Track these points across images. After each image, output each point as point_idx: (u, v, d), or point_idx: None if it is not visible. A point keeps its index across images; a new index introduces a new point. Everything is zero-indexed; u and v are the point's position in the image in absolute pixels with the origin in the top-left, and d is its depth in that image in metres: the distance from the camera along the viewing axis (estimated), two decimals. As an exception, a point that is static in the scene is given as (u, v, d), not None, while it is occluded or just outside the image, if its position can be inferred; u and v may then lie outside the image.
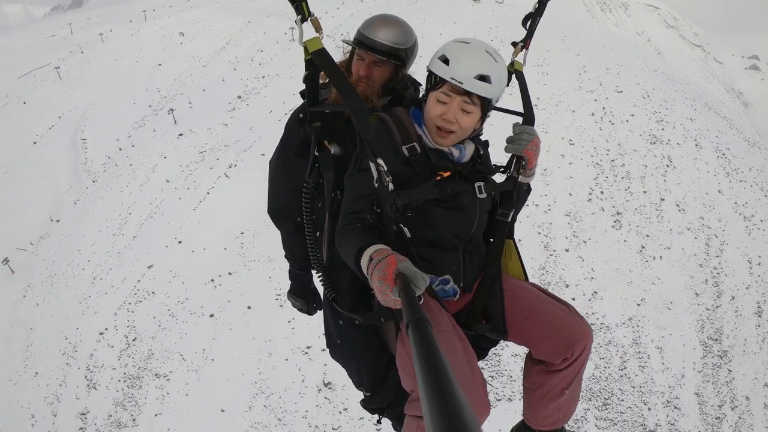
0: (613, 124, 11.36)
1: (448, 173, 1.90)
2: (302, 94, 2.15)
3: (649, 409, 8.81)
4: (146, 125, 13.83)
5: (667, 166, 10.88)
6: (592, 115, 11.44)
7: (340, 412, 7.33)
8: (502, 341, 2.19)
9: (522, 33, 2.31)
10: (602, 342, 8.83)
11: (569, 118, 11.22)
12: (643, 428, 8.68)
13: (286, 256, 2.77)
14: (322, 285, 2.07)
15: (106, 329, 8.77)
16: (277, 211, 2.61)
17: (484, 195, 1.96)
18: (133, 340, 8.47)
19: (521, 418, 2.30)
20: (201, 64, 16.70)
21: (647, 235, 9.89)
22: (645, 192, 10.39)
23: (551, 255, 9.27)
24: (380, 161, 1.75)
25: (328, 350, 2.17)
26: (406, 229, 1.82)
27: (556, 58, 12.72)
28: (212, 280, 8.85)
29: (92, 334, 8.83)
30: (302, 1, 1.83)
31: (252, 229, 9.33)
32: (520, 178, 2.09)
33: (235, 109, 13.41)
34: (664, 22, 26.22)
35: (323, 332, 2.18)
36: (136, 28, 18.63)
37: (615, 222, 9.90)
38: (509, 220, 2.11)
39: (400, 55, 2.31)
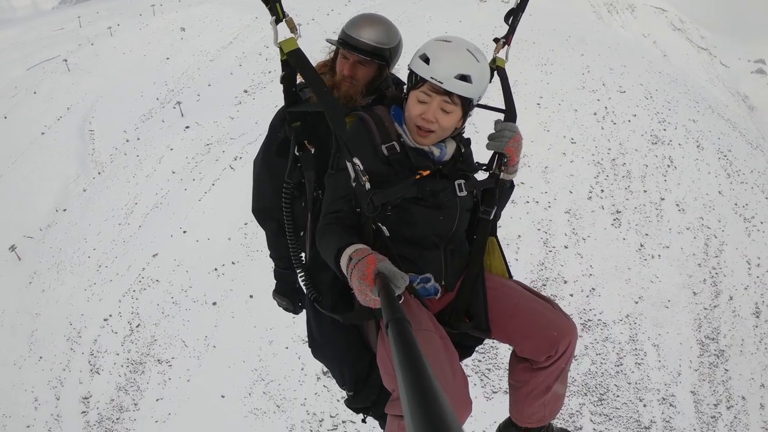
0: (615, 123, 11.45)
1: (427, 172, 1.90)
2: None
3: (645, 405, 8.90)
4: (153, 117, 13.99)
5: (668, 166, 10.96)
6: (594, 114, 11.53)
7: (338, 401, 7.45)
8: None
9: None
10: (599, 338, 8.92)
11: (571, 117, 11.31)
12: (638, 424, 8.77)
13: (271, 256, 2.78)
14: (304, 285, 2.08)
15: (111, 316, 8.92)
16: (261, 211, 2.62)
17: (464, 193, 1.96)
18: (137, 327, 8.62)
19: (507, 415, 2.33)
20: (208, 58, 16.86)
21: (646, 234, 9.98)
22: (645, 191, 10.48)
23: (550, 251, 9.37)
24: (356, 160, 1.75)
25: (310, 350, 2.19)
26: (384, 228, 1.83)
27: (559, 57, 12.81)
28: (215, 270, 9.00)
29: (97, 320, 8.98)
30: (276, 1, 1.83)
31: (256, 220, 9.48)
32: (502, 176, 2.10)
33: (241, 103, 13.56)
34: (670, 25, 26.20)
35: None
36: (144, 22, 18.79)
37: (614, 220, 9.99)
38: (491, 217, 2.10)
39: (384, 55, 2.31)
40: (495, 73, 2.26)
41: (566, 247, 9.45)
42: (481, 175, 2.12)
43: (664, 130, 11.59)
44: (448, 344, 1.80)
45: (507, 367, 2.23)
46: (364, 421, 2.21)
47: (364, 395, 2.08)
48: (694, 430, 9.02)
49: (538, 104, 11.46)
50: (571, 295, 9.01)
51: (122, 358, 8.42)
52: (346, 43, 2.30)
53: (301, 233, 2.28)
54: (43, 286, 9.98)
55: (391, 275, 1.43)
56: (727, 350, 9.80)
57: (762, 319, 10.24)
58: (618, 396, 8.75)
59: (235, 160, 11.04)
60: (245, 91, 14.11)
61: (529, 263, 9.13)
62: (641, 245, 9.83)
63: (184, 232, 9.69)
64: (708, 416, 9.24)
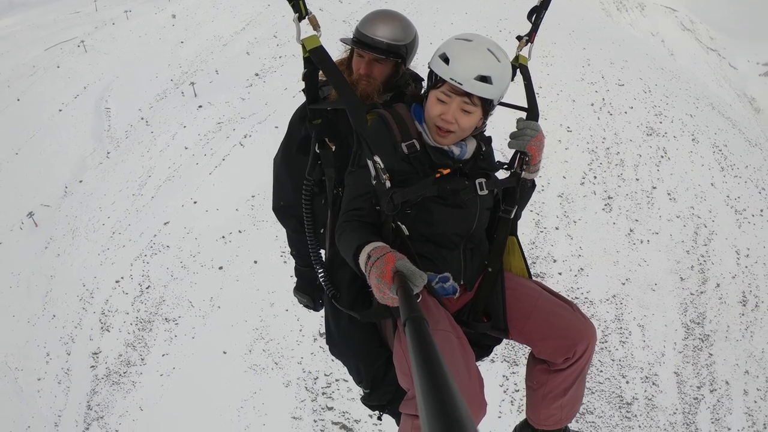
0: (611, 114, 11.82)
1: (448, 170, 1.89)
2: (304, 91, 2.16)
3: (627, 382, 9.28)
4: (168, 97, 14.50)
5: (662, 157, 11.31)
6: (592, 105, 11.91)
7: (332, 360, 7.89)
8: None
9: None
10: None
11: (569, 107, 11.70)
12: (621, 400, 9.14)
13: (291, 253, 2.80)
14: (323, 282, 2.08)
15: (122, 278, 9.43)
16: (282, 209, 2.62)
17: (485, 192, 1.93)
18: (147, 288, 9.13)
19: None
20: (221, 43, 17.33)
21: (636, 220, 10.35)
22: (637, 179, 10.85)
23: (541, 232, 9.78)
24: (377, 159, 1.75)
25: (327, 347, 2.19)
26: (403, 226, 1.82)
27: (561, 50, 13.17)
28: (223, 237, 9.49)
29: (109, 282, 9.49)
30: None
31: (263, 192, 9.93)
32: (524, 174, 2.07)
33: (252, 86, 14.03)
34: (680, 25, 26.33)
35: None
36: (160, 7, 19.32)
37: (605, 205, 10.38)
38: (512, 217, 2.09)
39: (400, 52, 2.29)
40: (518, 70, 2.25)
41: (557, 229, 9.85)
42: (502, 174, 2.10)
43: (660, 122, 11.94)
44: (465, 345, 1.79)
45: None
46: (380, 418, 2.22)
47: (381, 393, 2.07)
48: (676, 409, 9.36)
49: (537, 94, 11.81)
50: (560, 274, 9.42)
51: (132, 317, 8.93)
52: (361, 42, 2.28)
53: (321, 230, 2.30)
54: (59, 251, 10.51)
55: (410, 274, 1.44)
56: (712, 335, 10.08)
57: (749, 307, 10.49)
58: (601, 371, 9.14)
59: (245, 137, 11.52)
60: (256, 75, 14.57)
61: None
62: (631, 230, 10.20)
63: (195, 202, 10.19)
64: (690, 397, 9.53)
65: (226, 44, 17.26)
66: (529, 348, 2.13)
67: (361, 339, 2.03)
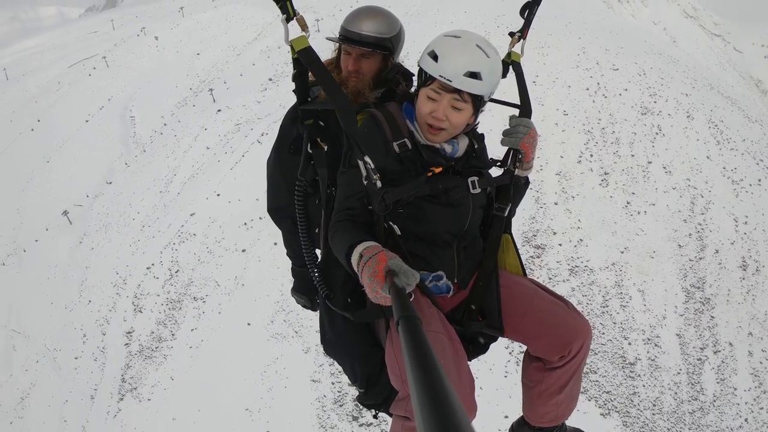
0: (606, 97, 12.36)
1: (440, 169, 1.89)
2: (294, 92, 2.17)
3: (630, 344, 9.69)
4: (188, 104, 15.44)
5: (656, 134, 11.80)
6: (587, 89, 12.46)
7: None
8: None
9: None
10: (585, 282, 9.82)
11: (564, 92, 12.27)
12: (623, 360, 9.56)
13: (288, 254, 2.80)
14: (316, 282, 2.08)
15: (153, 264, 10.24)
16: (277, 210, 2.64)
17: (477, 190, 1.94)
18: (176, 272, 9.91)
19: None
20: (236, 53, 18.32)
21: (633, 193, 10.85)
22: (633, 156, 11.36)
23: (541, 207, 10.34)
24: (367, 159, 1.75)
25: (322, 346, 2.21)
26: (395, 226, 1.82)
27: (556, 41, 13.76)
28: (245, 224, 10.25)
29: (140, 269, 10.31)
30: (287, 0, 1.85)
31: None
32: (517, 172, 2.08)
33: (267, 90, 14.89)
34: (683, 12, 26.63)
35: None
36: (175, 22, 20.43)
37: (602, 181, 10.91)
38: (506, 214, 2.09)
39: (386, 45, 2.31)
40: (510, 67, 2.26)
41: (556, 204, 10.40)
42: (495, 171, 2.10)
43: (655, 102, 12.43)
44: (457, 346, 1.79)
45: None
46: (375, 416, 2.25)
47: (376, 392, 2.07)
48: (680, 369, 9.69)
49: (534, 82, 12.43)
50: (560, 245, 9.95)
51: (162, 298, 9.71)
52: (347, 38, 2.31)
53: (316, 231, 2.32)
54: (93, 245, 11.39)
55: (402, 273, 1.45)
56: (713, 299, 10.33)
57: (749, 272, 10.70)
58: (603, 333, 9.61)
59: (262, 135, 12.32)
60: (270, 79, 15.43)
61: (520, 217, 10.09)
62: (628, 203, 10.70)
63: (218, 195, 10.99)
64: (694, 358, 9.81)
65: (240, 54, 18.23)
66: (524, 346, 2.14)
67: (355, 339, 2.04)
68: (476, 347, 2.17)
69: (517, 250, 2.20)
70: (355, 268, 1.58)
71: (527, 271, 2.33)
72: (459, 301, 2.07)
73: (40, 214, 12.53)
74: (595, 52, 13.68)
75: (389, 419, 1.96)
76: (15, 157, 14.69)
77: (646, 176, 11.13)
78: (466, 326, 2.03)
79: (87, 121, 16.00)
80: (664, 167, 11.36)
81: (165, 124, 14.70)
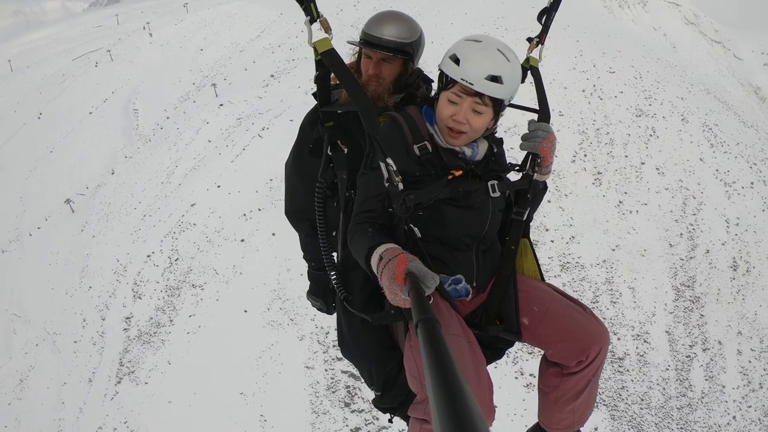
0: (601, 99, 12.57)
1: (460, 172, 1.90)
2: (315, 94, 2.17)
3: (619, 339, 9.88)
4: (190, 98, 15.66)
5: (650, 135, 12.01)
6: (583, 91, 12.68)
7: (344, 316, 8.76)
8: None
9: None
10: (576, 278, 10.02)
11: (561, 94, 12.48)
12: (612, 354, 9.73)
13: (304, 257, 2.82)
14: (335, 284, 2.09)
15: (153, 253, 10.43)
16: (295, 213, 2.64)
17: (497, 194, 1.95)
18: (176, 260, 10.10)
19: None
20: (238, 49, 18.54)
21: (625, 193, 11.05)
22: (626, 156, 11.57)
23: (535, 204, 10.52)
24: (389, 161, 1.76)
25: (339, 349, 2.21)
26: (416, 229, 1.82)
27: (554, 43, 13.96)
28: (244, 215, 10.45)
29: (141, 257, 10.49)
30: (311, 2, 1.85)
31: (279, 176, 10.74)
32: (536, 176, 2.08)
33: (268, 85, 15.09)
34: (684, 19, 26.78)
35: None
36: (179, 18, 20.69)
37: (595, 180, 11.11)
38: (524, 219, 2.10)
39: (407, 50, 2.31)
40: (528, 72, 2.29)
41: (549, 202, 10.60)
42: (514, 176, 2.11)
43: (650, 105, 12.64)
44: (476, 349, 1.79)
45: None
46: (390, 421, 2.23)
47: (392, 396, 2.07)
48: (669, 366, 9.86)
49: (531, 83, 12.63)
50: (552, 241, 10.15)
51: (162, 285, 9.90)
52: (367, 42, 2.32)
53: (333, 233, 2.32)
54: (94, 233, 11.58)
55: (422, 275, 1.45)
56: (702, 297, 10.48)
57: (739, 272, 10.84)
58: (593, 329, 9.77)
59: (263, 130, 12.53)
60: (272, 76, 15.64)
61: (515, 213, 10.27)
62: (620, 202, 10.90)
63: (218, 186, 11.19)
64: (683, 355, 9.97)
65: (243, 50, 18.45)
66: (542, 351, 2.13)
67: (373, 341, 2.04)
68: (493, 352, 2.18)
69: (535, 254, 2.22)
70: (375, 271, 1.58)
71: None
72: (477, 305, 2.07)
73: (43, 203, 12.74)
74: (591, 55, 13.90)
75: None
76: (19, 146, 14.92)
77: (639, 177, 11.34)
78: (484, 330, 2.04)
79: (91, 113, 16.22)
80: (657, 168, 11.56)
81: (168, 117, 14.91)
